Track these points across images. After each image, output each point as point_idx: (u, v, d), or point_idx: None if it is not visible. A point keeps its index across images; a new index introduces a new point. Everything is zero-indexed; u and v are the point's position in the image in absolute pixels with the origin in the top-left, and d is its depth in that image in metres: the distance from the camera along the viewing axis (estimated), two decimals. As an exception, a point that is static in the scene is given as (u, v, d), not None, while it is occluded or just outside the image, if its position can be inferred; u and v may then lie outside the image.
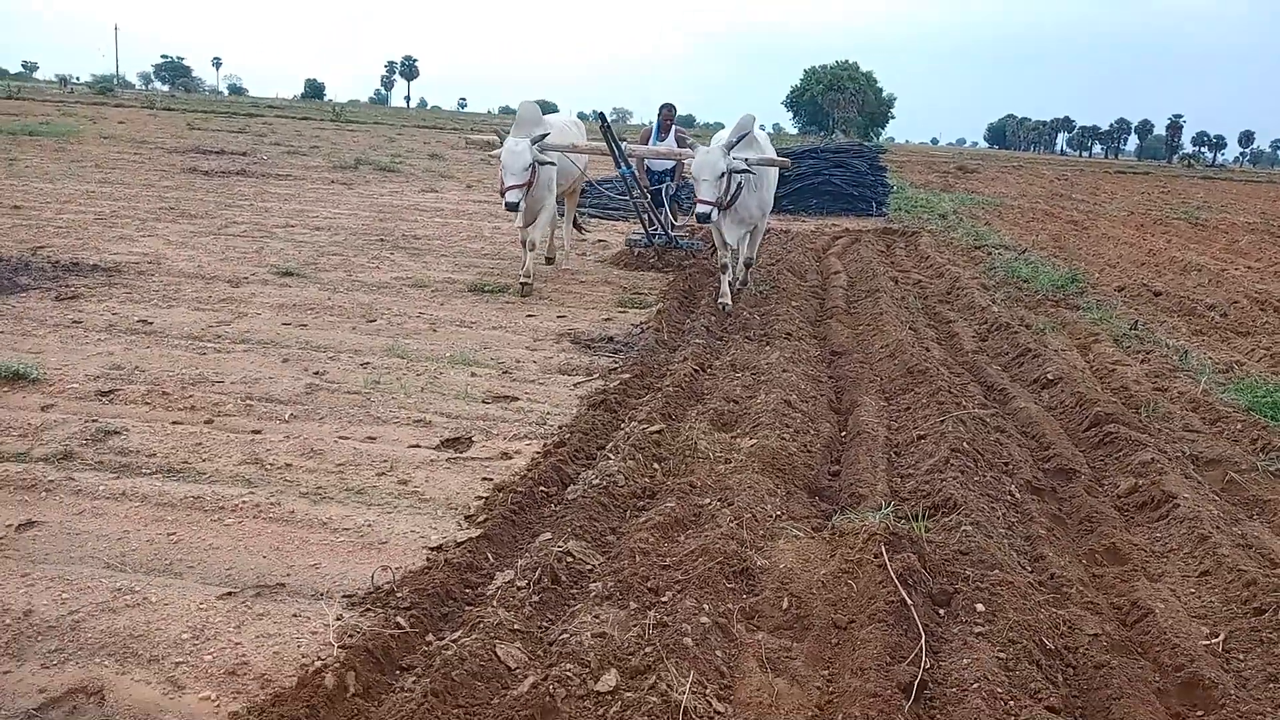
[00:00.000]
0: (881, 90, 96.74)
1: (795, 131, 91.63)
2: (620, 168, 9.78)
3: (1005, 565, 3.69)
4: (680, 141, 10.34)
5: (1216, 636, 3.45)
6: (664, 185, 10.80)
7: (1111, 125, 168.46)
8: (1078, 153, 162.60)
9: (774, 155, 9.21)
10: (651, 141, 10.51)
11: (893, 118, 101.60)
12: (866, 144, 23.86)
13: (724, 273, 8.73)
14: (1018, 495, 4.61)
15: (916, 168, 39.75)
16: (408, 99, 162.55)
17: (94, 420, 4.93)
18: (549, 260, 10.53)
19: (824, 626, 3.35)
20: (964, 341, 7.84)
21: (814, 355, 7.23)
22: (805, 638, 3.30)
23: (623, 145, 9.55)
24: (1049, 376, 6.69)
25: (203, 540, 3.80)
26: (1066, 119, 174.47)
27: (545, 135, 8.64)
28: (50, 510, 3.96)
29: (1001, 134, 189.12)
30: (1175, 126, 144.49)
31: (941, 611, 3.45)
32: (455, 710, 2.72)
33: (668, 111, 10.60)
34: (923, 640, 3.12)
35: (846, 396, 6.31)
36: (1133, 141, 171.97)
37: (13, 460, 4.41)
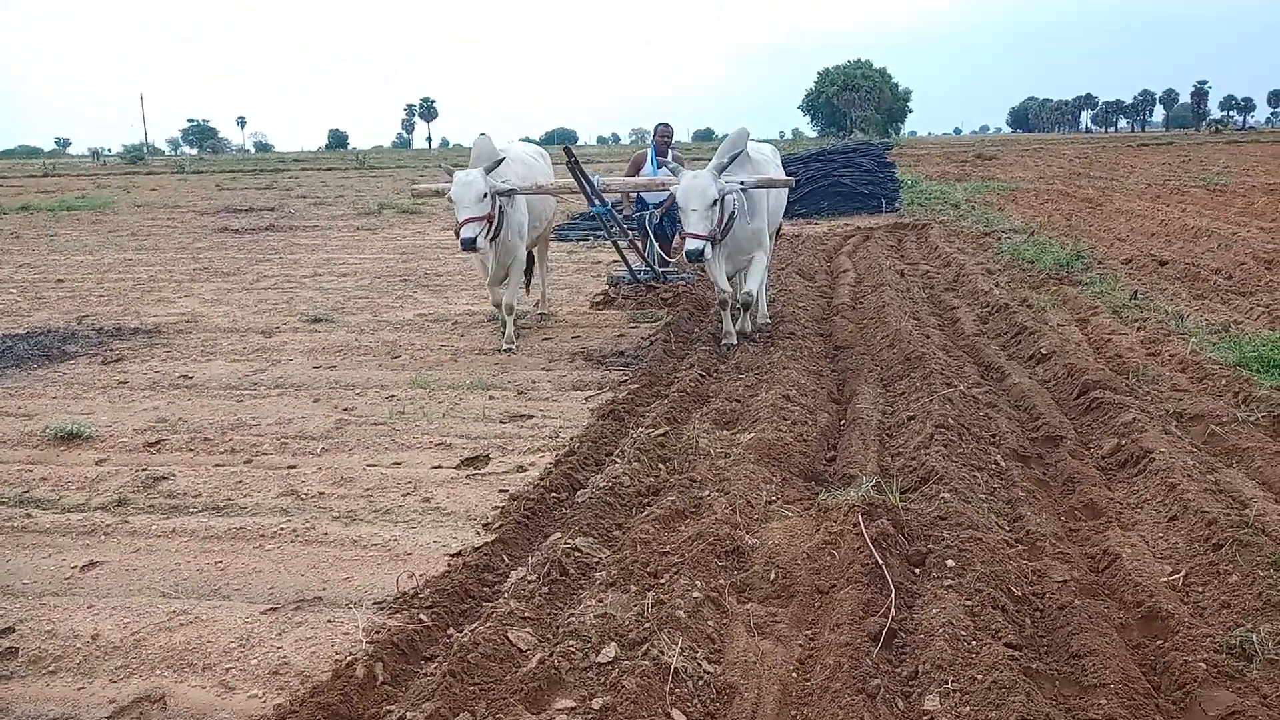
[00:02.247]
0: (897, 85, 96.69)
1: (815, 135, 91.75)
2: (593, 205, 8.76)
3: (980, 525, 3.97)
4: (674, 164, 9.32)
5: (1178, 573, 3.70)
6: (646, 214, 9.82)
7: (1135, 98, 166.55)
8: (1103, 129, 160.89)
9: (776, 173, 8.11)
10: (648, 165, 9.83)
11: (910, 111, 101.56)
12: (872, 142, 24.09)
13: (724, 308, 7.74)
14: (1003, 463, 4.88)
15: (934, 160, 39.81)
16: (429, 140, 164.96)
17: (143, 469, 5.36)
18: (541, 315, 9.36)
19: (808, 592, 3.65)
20: (965, 326, 8.10)
21: (817, 351, 7.53)
22: (790, 604, 3.61)
23: (596, 180, 8.54)
24: (1043, 351, 6.93)
25: (246, 565, 4.19)
26: (1089, 96, 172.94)
27: (501, 162, 7.82)
28: (109, 551, 4.38)
29: (1024, 117, 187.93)
30: (1200, 93, 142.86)
31: (917, 571, 3.74)
32: (471, 687, 3.05)
33: (663, 130, 9.85)
34: (892, 595, 3.42)
35: (847, 387, 6.61)
36: (1159, 113, 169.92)
37: (74, 510, 4.85)
